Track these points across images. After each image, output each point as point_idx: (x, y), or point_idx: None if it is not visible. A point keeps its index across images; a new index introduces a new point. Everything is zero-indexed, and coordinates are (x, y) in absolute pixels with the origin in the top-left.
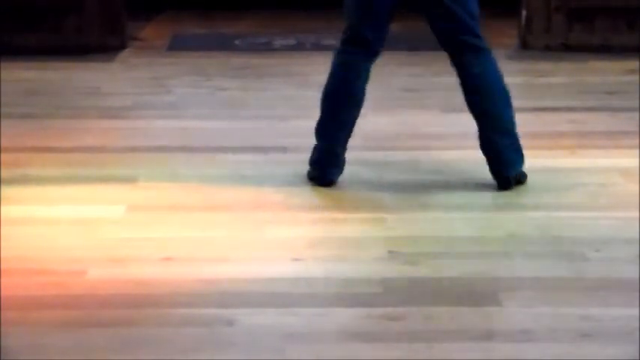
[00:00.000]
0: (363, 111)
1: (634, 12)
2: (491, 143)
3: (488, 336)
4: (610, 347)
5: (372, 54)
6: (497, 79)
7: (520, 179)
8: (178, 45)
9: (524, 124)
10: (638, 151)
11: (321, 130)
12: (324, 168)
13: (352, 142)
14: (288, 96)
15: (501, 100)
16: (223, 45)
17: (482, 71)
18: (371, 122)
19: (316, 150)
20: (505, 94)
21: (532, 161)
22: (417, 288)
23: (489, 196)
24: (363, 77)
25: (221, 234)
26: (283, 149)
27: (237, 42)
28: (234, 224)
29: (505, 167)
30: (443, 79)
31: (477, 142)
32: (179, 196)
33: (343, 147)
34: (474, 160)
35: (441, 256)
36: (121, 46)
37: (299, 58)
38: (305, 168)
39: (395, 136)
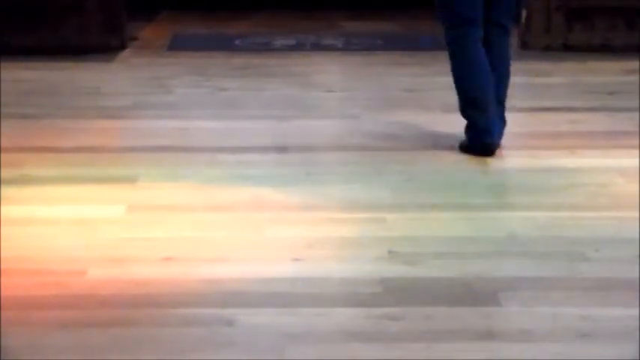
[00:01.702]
0: (363, 111)
1: (634, 12)
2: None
3: (488, 336)
4: (610, 347)
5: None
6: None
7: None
8: (178, 45)
9: (524, 124)
10: (638, 151)
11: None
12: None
13: (352, 141)
14: (288, 96)
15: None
16: (223, 45)
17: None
18: (371, 122)
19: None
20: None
21: (532, 161)
22: (417, 288)
23: (489, 196)
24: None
25: (221, 234)
26: (283, 149)
27: (237, 42)
28: (234, 224)
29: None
30: (443, 79)
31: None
32: (179, 196)
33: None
34: (473, 160)
35: (441, 256)
36: (121, 46)
37: (299, 58)
38: (305, 168)
39: (395, 136)
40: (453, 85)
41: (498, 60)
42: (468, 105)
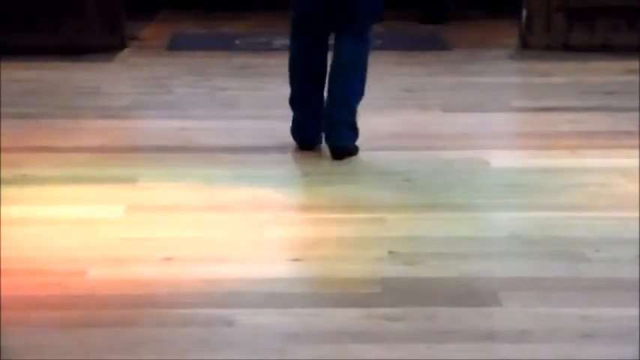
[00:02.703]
0: (363, 111)
1: (634, 12)
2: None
3: (489, 336)
4: (610, 347)
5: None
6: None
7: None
8: (178, 45)
9: (524, 124)
10: (638, 151)
11: None
12: None
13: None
14: (287, 96)
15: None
16: (223, 45)
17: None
18: (371, 122)
19: None
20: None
21: (532, 161)
22: (417, 288)
23: (489, 196)
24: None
25: (221, 234)
26: (283, 149)
27: (237, 42)
28: (234, 224)
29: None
30: (443, 79)
31: (477, 142)
32: (179, 196)
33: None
34: (473, 160)
35: (441, 256)
36: (121, 46)
37: None
38: (305, 168)
39: (395, 136)
40: (453, 85)
41: (340, 67)
42: (291, 99)
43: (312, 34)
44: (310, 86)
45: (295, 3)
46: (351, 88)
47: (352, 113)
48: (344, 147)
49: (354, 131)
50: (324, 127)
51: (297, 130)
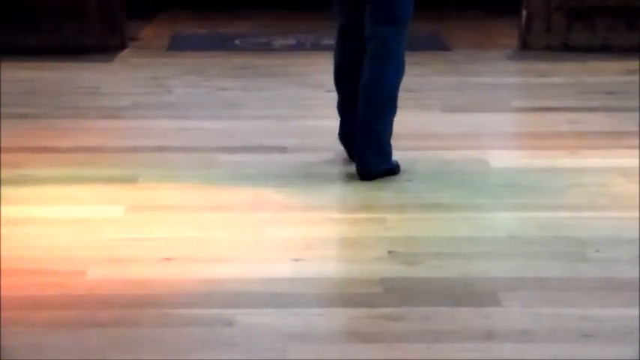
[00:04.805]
0: None
1: (634, 12)
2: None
3: (489, 336)
4: (610, 347)
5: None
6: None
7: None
8: (178, 45)
9: (524, 124)
10: (638, 151)
11: None
12: None
13: None
14: (288, 96)
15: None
16: (223, 45)
17: None
18: None
19: None
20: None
21: (532, 161)
22: (417, 288)
23: (489, 196)
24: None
25: (221, 234)
26: (283, 149)
27: (237, 42)
28: (234, 224)
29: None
30: (443, 79)
31: (477, 142)
32: (179, 196)
33: None
34: (473, 160)
35: (441, 256)
36: (121, 46)
37: (299, 58)
38: (305, 168)
39: (395, 136)
40: (453, 85)
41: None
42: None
43: (354, 41)
44: (344, 96)
45: (334, 5)
46: (373, 112)
47: (378, 138)
48: (366, 172)
49: (380, 155)
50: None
51: (341, 137)
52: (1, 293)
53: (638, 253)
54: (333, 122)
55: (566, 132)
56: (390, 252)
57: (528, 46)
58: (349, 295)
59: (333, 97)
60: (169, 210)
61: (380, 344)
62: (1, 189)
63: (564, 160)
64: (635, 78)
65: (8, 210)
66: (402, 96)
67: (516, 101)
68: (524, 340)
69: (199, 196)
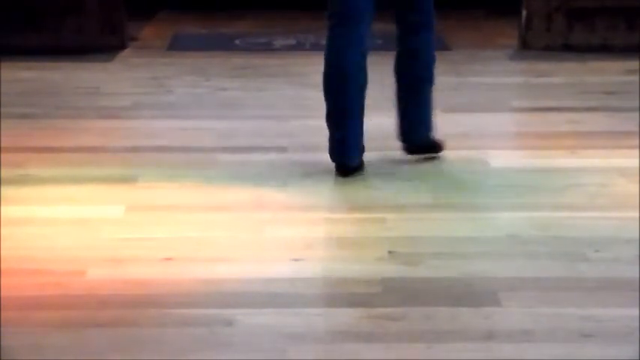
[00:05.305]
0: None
1: (634, 12)
2: None
3: (489, 336)
4: (610, 347)
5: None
6: None
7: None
8: (178, 45)
9: (524, 124)
10: (638, 151)
11: None
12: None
13: None
14: (288, 96)
15: None
16: (223, 45)
17: None
18: (371, 122)
19: None
20: None
21: (532, 161)
22: (417, 288)
23: (489, 196)
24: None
25: (221, 234)
26: (283, 149)
27: (237, 42)
28: (234, 224)
29: None
30: (443, 79)
31: (477, 142)
32: (179, 196)
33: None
34: (473, 160)
35: (441, 256)
36: (121, 46)
37: (299, 58)
38: (305, 168)
39: (395, 135)
40: (453, 85)
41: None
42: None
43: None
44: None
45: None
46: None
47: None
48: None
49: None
50: None
51: (404, 134)
52: (1, 293)
53: (638, 253)
54: None
55: (566, 132)
56: (390, 252)
57: (528, 46)
58: (349, 295)
59: None
60: (169, 210)
61: (380, 344)
62: (1, 189)
63: (564, 160)
64: (635, 78)
65: (8, 210)
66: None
67: (516, 101)
68: (524, 340)
69: (199, 196)
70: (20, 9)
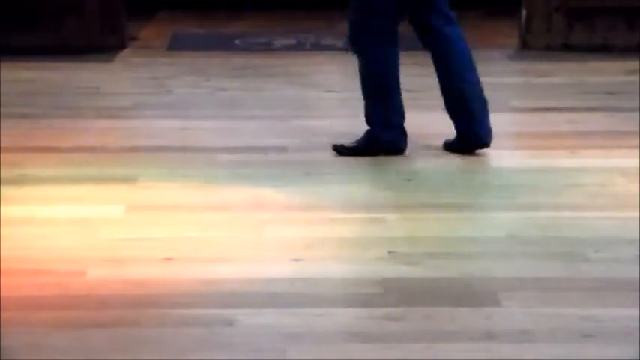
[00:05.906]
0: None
1: (634, 12)
2: None
3: (488, 336)
4: (610, 347)
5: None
6: None
7: None
8: (178, 45)
9: (524, 124)
10: (638, 151)
11: None
12: None
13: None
14: (288, 96)
15: None
16: (223, 45)
17: None
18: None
19: None
20: None
21: (532, 161)
22: (417, 288)
23: (489, 196)
24: None
25: (221, 234)
26: (283, 149)
27: (237, 42)
28: (234, 224)
29: None
30: None
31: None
32: (179, 196)
33: None
34: (473, 160)
35: (441, 256)
36: (121, 46)
37: (299, 58)
38: (305, 168)
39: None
40: None
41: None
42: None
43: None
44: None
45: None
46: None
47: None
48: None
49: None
50: None
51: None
52: (1, 293)
53: (638, 253)
54: (333, 122)
55: (566, 132)
56: (390, 252)
57: (528, 46)
58: (349, 295)
59: (333, 97)
60: (169, 210)
61: (380, 344)
62: (1, 189)
63: (564, 160)
64: (635, 78)
65: (8, 210)
66: (402, 96)
67: (516, 101)
68: (524, 340)
69: (199, 196)
70: (20, 9)
